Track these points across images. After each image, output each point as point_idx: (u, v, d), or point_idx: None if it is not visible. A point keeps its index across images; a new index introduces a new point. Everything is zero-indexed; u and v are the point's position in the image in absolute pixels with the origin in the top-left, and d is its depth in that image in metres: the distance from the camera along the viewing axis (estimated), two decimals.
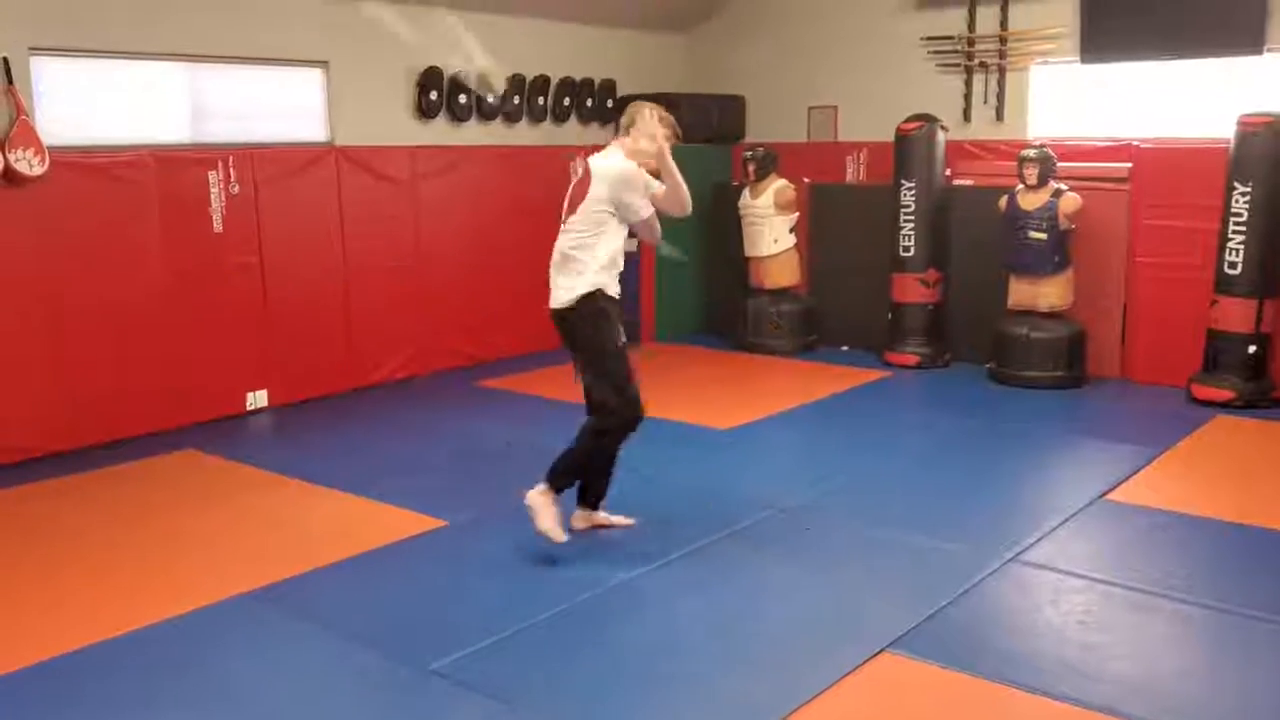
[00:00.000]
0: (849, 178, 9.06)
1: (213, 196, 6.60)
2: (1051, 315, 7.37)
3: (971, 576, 4.29)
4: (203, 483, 5.63)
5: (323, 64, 7.26)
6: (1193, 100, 7.55)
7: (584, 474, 4.60)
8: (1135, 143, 7.49)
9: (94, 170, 6.13)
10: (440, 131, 7.95)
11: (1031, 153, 7.30)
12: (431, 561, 4.55)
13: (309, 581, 4.33)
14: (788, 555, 4.57)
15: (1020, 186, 7.35)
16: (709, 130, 9.33)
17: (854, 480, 5.53)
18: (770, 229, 8.55)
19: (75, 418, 6.14)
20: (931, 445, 6.23)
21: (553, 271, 4.47)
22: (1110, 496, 5.23)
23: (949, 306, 8.15)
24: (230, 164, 6.66)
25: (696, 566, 4.42)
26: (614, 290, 4.43)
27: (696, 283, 9.39)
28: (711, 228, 9.26)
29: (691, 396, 7.18)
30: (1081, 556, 4.54)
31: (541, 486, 4.45)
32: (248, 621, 4.01)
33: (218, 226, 6.64)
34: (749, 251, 8.70)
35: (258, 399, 6.95)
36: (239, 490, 5.49)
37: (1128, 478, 5.50)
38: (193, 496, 5.40)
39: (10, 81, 5.79)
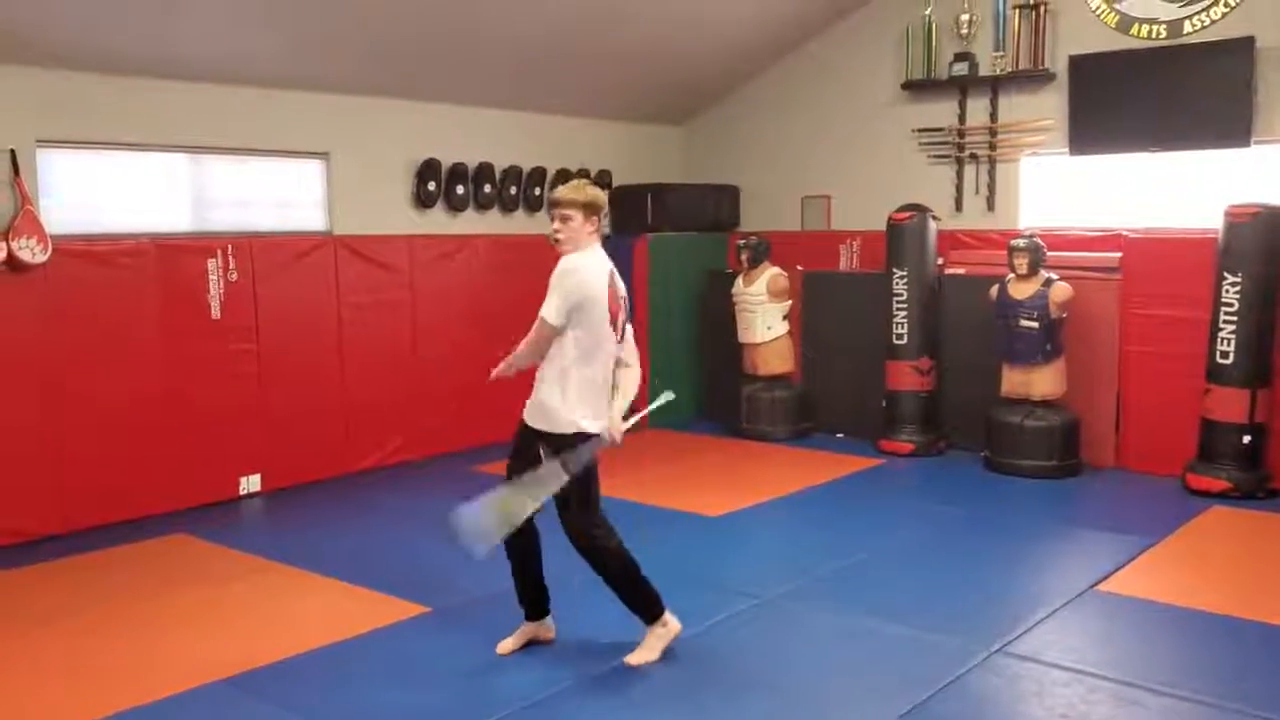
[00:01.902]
0: (842, 266, 9.16)
1: (211, 284, 6.71)
2: (1045, 404, 7.39)
3: (955, 669, 4.24)
4: (190, 567, 5.63)
5: (323, 155, 7.42)
6: (1181, 191, 7.65)
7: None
8: (1125, 233, 7.58)
9: (95, 258, 6.25)
10: (438, 221, 8.09)
11: (1021, 242, 7.39)
12: (410, 649, 4.51)
13: (287, 668, 4.31)
14: (767, 648, 4.52)
15: (1011, 276, 7.42)
16: (704, 219, 9.48)
17: (840, 569, 5.50)
18: (763, 316, 8.62)
19: (70, 501, 6.17)
20: (922, 534, 6.20)
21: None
22: (1101, 587, 5.19)
23: (943, 394, 8.18)
24: (229, 252, 6.78)
25: (671, 662, 4.35)
26: None
27: (692, 369, 9.43)
28: (707, 315, 9.35)
29: (682, 482, 7.19)
30: (1069, 648, 4.49)
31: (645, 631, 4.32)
32: (221, 708, 3.98)
33: (216, 313, 6.73)
34: (742, 338, 8.77)
35: (251, 484, 6.97)
36: (225, 575, 5.48)
37: (1119, 568, 5.46)
38: (179, 581, 5.39)
39: (16, 173, 5.93)
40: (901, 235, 8.07)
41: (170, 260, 6.54)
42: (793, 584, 5.24)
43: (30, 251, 5.88)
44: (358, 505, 6.78)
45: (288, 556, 5.69)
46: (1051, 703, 4.00)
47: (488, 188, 8.30)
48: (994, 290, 7.51)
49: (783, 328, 8.71)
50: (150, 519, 6.40)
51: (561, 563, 4.41)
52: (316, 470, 7.27)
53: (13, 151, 5.92)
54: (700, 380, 9.46)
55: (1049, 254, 7.49)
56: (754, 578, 5.33)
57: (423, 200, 7.95)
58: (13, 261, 5.84)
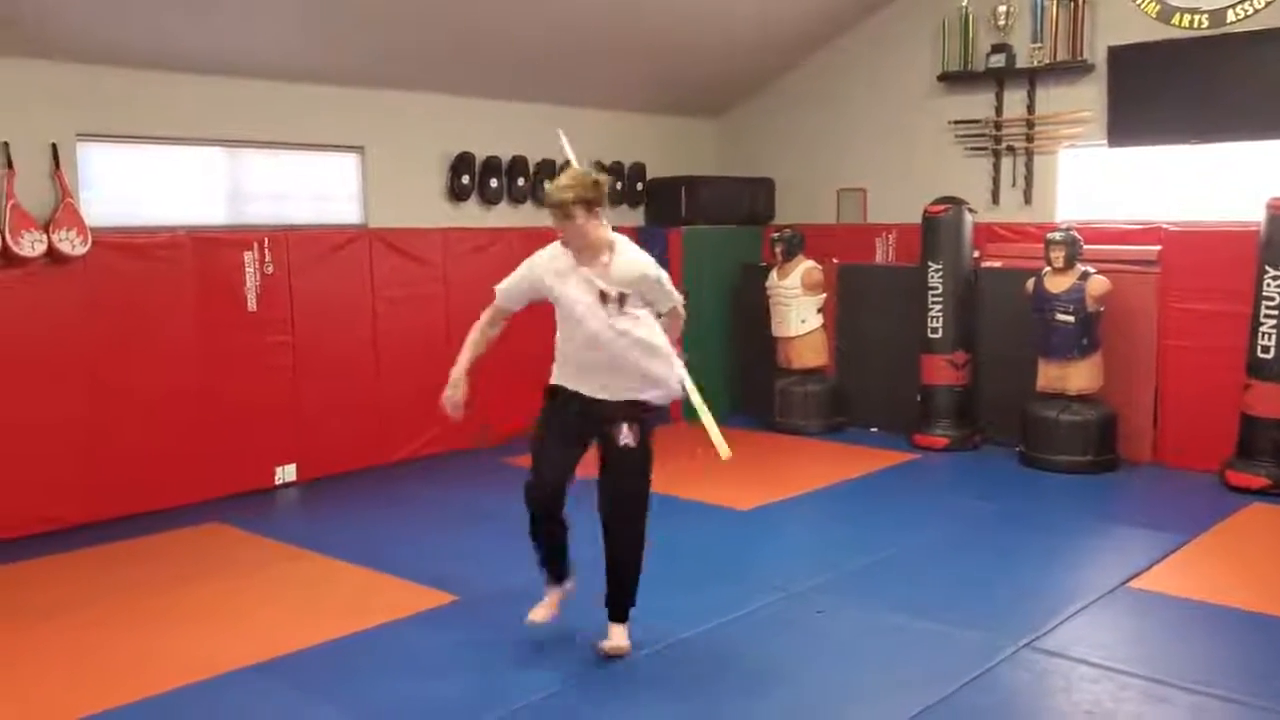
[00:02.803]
0: (878, 259, 9.10)
1: (247, 276, 6.79)
2: (1081, 398, 7.30)
3: (981, 664, 4.21)
4: (223, 555, 5.71)
5: (358, 149, 7.48)
6: (1222, 183, 7.53)
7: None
8: (1164, 226, 7.47)
9: (133, 250, 6.35)
10: (471, 214, 8.13)
11: (1058, 235, 7.30)
12: (435, 637, 4.55)
13: (310, 656, 4.36)
14: (791, 642, 4.51)
15: (1047, 269, 7.34)
16: (739, 212, 9.45)
17: (869, 564, 5.47)
18: (797, 309, 8.59)
19: (107, 490, 6.27)
20: (953, 529, 6.15)
21: (640, 359, 4.19)
22: (1133, 584, 5.13)
23: (978, 388, 8.10)
24: (265, 245, 6.85)
25: (693, 654, 4.37)
26: None
27: (726, 362, 9.41)
28: (741, 308, 9.33)
29: (713, 476, 7.13)
30: (1099, 644, 4.44)
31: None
32: (243, 695, 4.03)
33: (252, 305, 6.81)
34: (776, 332, 8.74)
35: (286, 473, 7.05)
36: (257, 563, 5.56)
37: (1153, 565, 5.39)
38: (210, 569, 5.47)
39: (57, 166, 6.03)
40: (937, 228, 8.00)
41: (207, 253, 6.63)
42: (821, 578, 5.22)
43: (70, 244, 5.98)
44: (391, 496, 6.84)
45: (319, 545, 5.75)
46: (1079, 699, 3.96)
47: (521, 181, 8.33)
48: (1030, 284, 7.43)
49: (817, 321, 8.67)
50: (186, 508, 6.48)
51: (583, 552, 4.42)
52: (351, 461, 7.34)
53: (54, 145, 6.02)
54: (734, 374, 9.43)
55: (1086, 247, 7.40)
56: (782, 571, 5.32)
57: (456, 193, 7.99)
58: (53, 253, 5.94)
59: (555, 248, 4.30)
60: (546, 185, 4.28)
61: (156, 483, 6.45)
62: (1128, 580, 5.16)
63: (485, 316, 4.57)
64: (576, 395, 4.24)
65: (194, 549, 5.81)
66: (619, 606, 4.32)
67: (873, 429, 8.65)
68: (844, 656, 4.36)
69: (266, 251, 6.86)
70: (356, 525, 6.21)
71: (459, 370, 4.45)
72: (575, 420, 4.25)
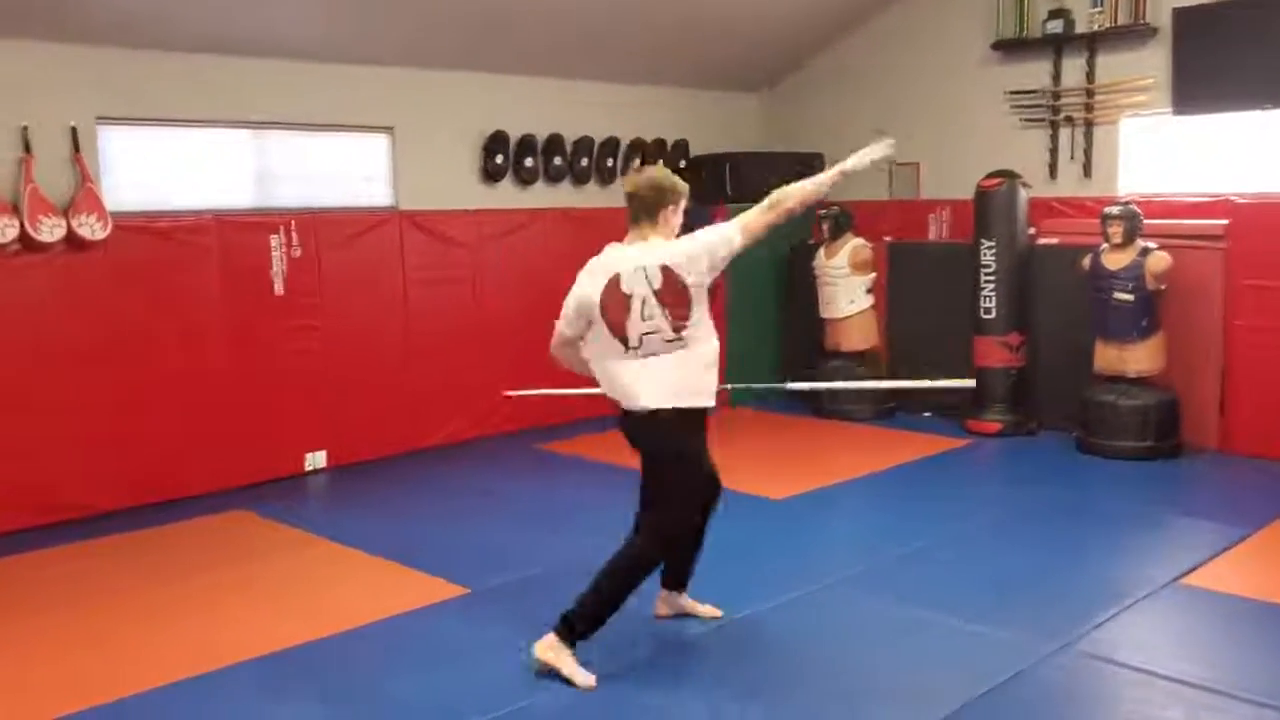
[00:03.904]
0: (932, 236, 8.75)
1: (274, 260, 6.69)
2: (1141, 381, 6.91)
3: (1014, 666, 3.93)
4: (245, 544, 5.63)
5: (388, 130, 7.35)
6: None
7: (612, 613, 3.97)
8: (1232, 198, 7.03)
9: (157, 234, 6.28)
10: (507, 194, 7.95)
11: (1116, 209, 6.90)
12: (439, 632, 4.40)
13: (315, 650, 4.23)
14: (808, 639, 4.26)
15: (1105, 245, 6.95)
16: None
17: (904, 556, 5.20)
18: (845, 290, 8.28)
19: (134, 476, 6.23)
20: (1001, 519, 5.83)
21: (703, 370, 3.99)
22: (1187, 580, 4.79)
23: (1035, 371, 7.73)
24: (292, 228, 6.75)
25: (709, 650, 4.16)
26: None
27: (775, 345, 9.14)
28: (789, 289, 9.04)
29: (752, 463, 6.92)
30: (1145, 647, 4.13)
31: (553, 639, 3.88)
32: (241, 690, 3.91)
33: (279, 289, 6.72)
34: (824, 313, 8.44)
35: (316, 460, 6.96)
36: (278, 552, 5.47)
37: (1209, 560, 5.04)
38: (232, 558, 5.38)
39: (77, 150, 5.98)
40: (989, 203, 7.63)
41: (233, 236, 6.55)
42: (850, 571, 4.96)
43: (90, 229, 5.93)
44: (420, 483, 6.72)
45: (340, 534, 5.64)
46: (1118, 707, 3.69)
47: (558, 160, 8.14)
48: (1086, 261, 7.05)
49: (866, 301, 8.36)
50: (215, 495, 6.43)
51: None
52: (382, 447, 7.23)
53: (73, 129, 5.96)
54: (783, 357, 9.15)
55: (1149, 222, 7.00)
56: (810, 564, 5.07)
57: (490, 174, 7.83)
58: (73, 238, 5.89)
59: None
60: (663, 173, 4.09)
61: (185, 470, 6.41)
62: (1181, 576, 4.81)
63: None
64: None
65: (214, 537, 5.74)
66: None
67: (925, 414, 8.32)
68: (866, 656, 4.10)
69: (294, 234, 6.75)
70: (380, 514, 6.10)
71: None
72: None
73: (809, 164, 9.32)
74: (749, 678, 3.92)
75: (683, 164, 9.00)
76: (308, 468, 6.92)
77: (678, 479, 3.99)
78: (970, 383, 5.26)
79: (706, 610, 4.42)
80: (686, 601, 4.41)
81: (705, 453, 4.06)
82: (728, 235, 3.95)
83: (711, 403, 4.00)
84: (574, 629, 3.86)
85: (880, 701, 3.75)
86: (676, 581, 4.38)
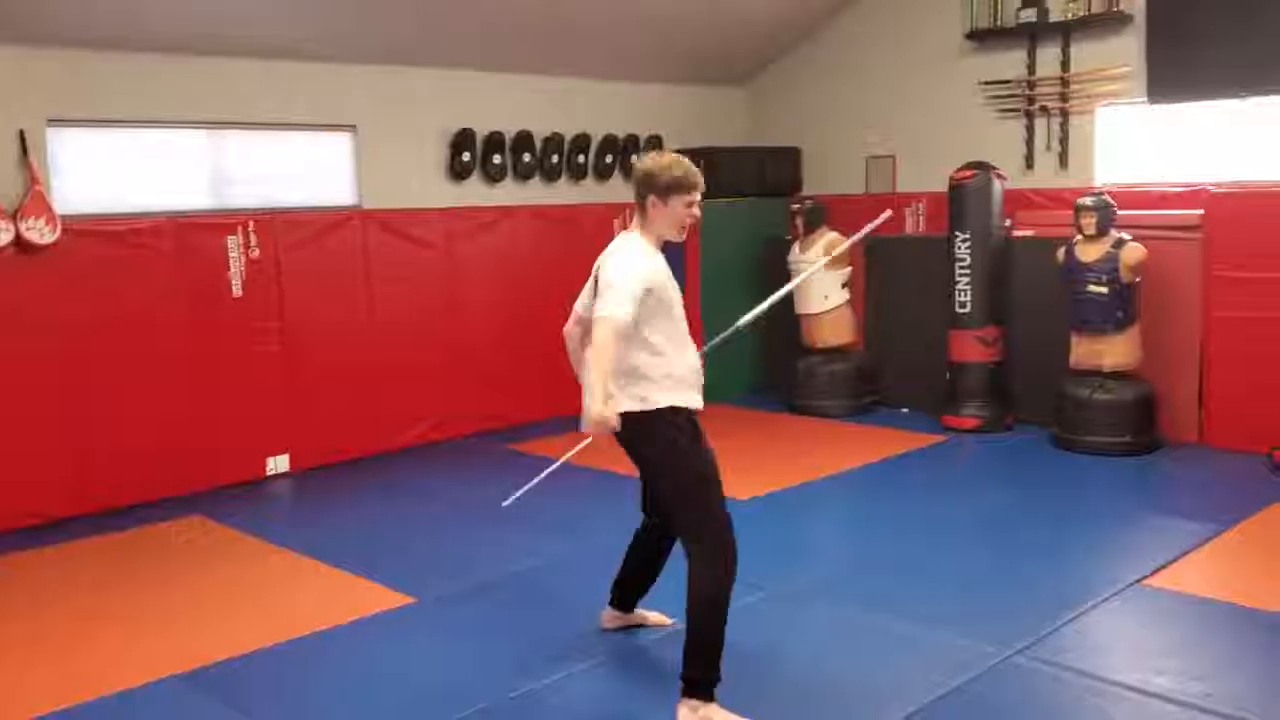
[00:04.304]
0: (908, 230, 8.62)
1: (232, 261, 6.59)
2: (1117, 375, 6.79)
3: (962, 673, 3.82)
4: (195, 551, 5.52)
5: (351, 128, 7.24)
6: (1273, 139, 6.92)
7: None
8: (1209, 187, 6.90)
9: (109, 237, 6.18)
10: (476, 192, 7.84)
11: (1089, 200, 6.77)
12: (380, 644, 4.29)
13: (250, 663, 4.13)
14: (756, 647, 4.14)
15: (1078, 237, 6.82)
16: (763, 184, 9.04)
17: (870, 558, 5.11)
18: (820, 285, 8.16)
19: (90, 483, 6.14)
20: (969, 519, 5.72)
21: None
22: (1149, 581, 4.66)
23: (1012, 365, 7.61)
24: (250, 229, 6.64)
25: (642, 664, 4.05)
26: None
27: (750, 342, 9.01)
28: (765, 283, 8.90)
29: (721, 461, 6.79)
30: (1099, 651, 4.03)
31: (691, 702, 3.55)
32: (167, 707, 3.81)
33: (237, 291, 6.62)
34: (799, 309, 8.31)
35: (278, 464, 6.86)
36: (226, 560, 5.36)
37: (1176, 559, 4.92)
38: (177, 566, 5.28)
39: (25, 153, 5.88)
40: (963, 196, 7.51)
41: (188, 238, 6.44)
42: (809, 575, 4.87)
43: (38, 232, 5.83)
44: (383, 487, 6.61)
45: (291, 541, 5.54)
46: (1066, 714, 3.56)
47: (527, 156, 8.02)
48: (1061, 253, 6.93)
49: (841, 297, 8.24)
50: (173, 500, 6.32)
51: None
52: (348, 450, 7.13)
53: (21, 132, 5.87)
54: (758, 354, 9.04)
55: (1126, 213, 6.87)
56: (768, 568, 4.91)
57: (457, 172, 7.71)
58: (21, 243, 5.79)
59: (636, 241, 3.66)
60: (684, 164, 3.66)
61: (142, 475, 6.30)
62: (1144, 578, 4.70)
63: (609, 341, 3.43)
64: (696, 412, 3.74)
65: (167, 545, 5.63)
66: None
67: (903, 410, 8.21)
68: (810, 665, 3.99)
69: (252, 235, 6.65)
70: (337, 520, 5.99)
71: (603, 393, 3.44)
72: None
73: (786, 158, 9.25)
74: (667, 693, 3.80)
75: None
76: (269, 472, 6.82)
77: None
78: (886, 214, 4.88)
79: (655, 618, 4.30)
80: (634, 614, 4.29)
81: None
82: (606, 307, 3.48)
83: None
84: (697, 682, 3.56)
85: (823, 707, 3.65)
86: (626, 604, 4.25)
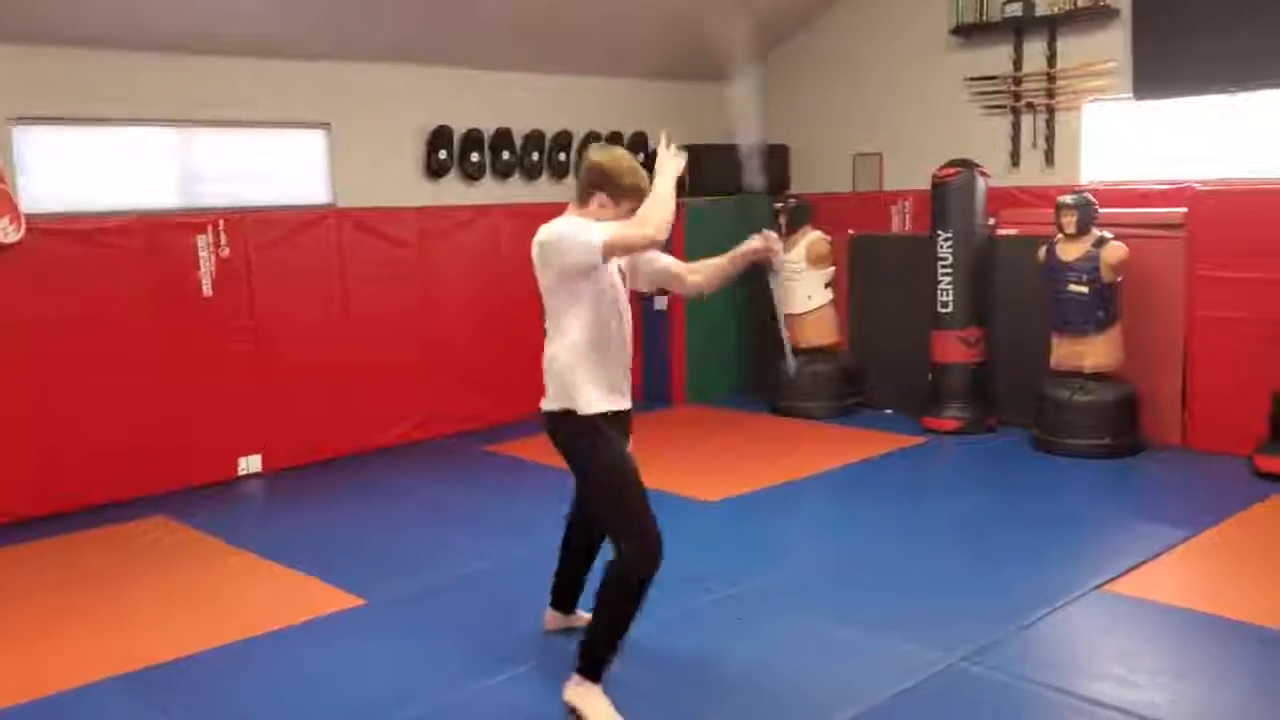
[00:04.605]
0: (895, 228, 8.52)
1: (202, 261, 6.55)
2: (1097, 376, 6.67)
3: (903, 681, 3.74)
4: (155, 553, 5.48)
5: (324, 125, 7.20)
6: (1261, 136, 6.79)
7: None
8: (1194, 185, 6.77)
9: (76, 236, 6.15)
10: (452, 191, 7.79)
11: (1069, 199, 6.66)
12: (323, 647, 4.24)
13: (190, 666, 4.08)
14: (700, 650, 4.08)
15: (1059, 236, 6.71)
16: (745, 181, 8.91)
17: (830, 562, 5.01)
18: (803, 285, 8.07)
19: (58, 483, 6.11)
20: (939, 522, 5.62)
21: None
22: (1109, 587, 4.56)
23: (995, 366, 7.50)
24: (220, 228, 6.60)
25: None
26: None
27: (733, 341, 8.94)
28: (749, 283, 8.81)
29: (695, 463, 6.76)
30: (1044, 661, 3.91)
31: (575, 678, 3.57)
32: (102, 711, 3.77)
33: (207, 290, 6.58)
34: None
35: (251, 464, 6.82)
36: (187, 560, 5.32)
37: (1143, 564, 4.81)
38: (132, 567, 5.23)
39: None
40: (945, 194, 7.40)
41: (157, 237, 6.40)
42: (766, 579, 4.77)
43: (3, 231, 5.81)
44: (354, 488, 6.56)
45: (252, 542, 5.50)
46: None
47: (506, 154, 7.97)
48: (1042, 252, 6.81)
49: (824, 296, 8.14)
50: (142, 500, 6.29)
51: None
52: (322, 450, 7.08)
53: None
54: (742, 355, 8.95)
55: (1110, 210, 6.76)
56: (721, 572, 4.87)
57: (434, 170, 7.66)
58: None
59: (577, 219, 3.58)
60: (641, 173, 3.56)
61: (111, 476, 6.27)
62: (1107, 582, 4.60)
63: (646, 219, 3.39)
64: (620, 414, 3.61)
65: (127, 546, 5.59)
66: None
67: (887, 411, 8.11)
68: (748, 672, 3.90)
69: (222, 234, 6.61)
70: (299, 520, 5.95)
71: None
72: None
73: (773, 156, 9.13)
74: (634, 689, 3.73)
75: (641, 157, 8.79)
76: (241, 472, 6.79)
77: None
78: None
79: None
80: (575, 615, 4.22)
81: None
82: (588, 241, 3.40)
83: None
84: (588, 661, 3.53)
85: (760, 713, 3.57)
86: (563, 604, 4.19)
